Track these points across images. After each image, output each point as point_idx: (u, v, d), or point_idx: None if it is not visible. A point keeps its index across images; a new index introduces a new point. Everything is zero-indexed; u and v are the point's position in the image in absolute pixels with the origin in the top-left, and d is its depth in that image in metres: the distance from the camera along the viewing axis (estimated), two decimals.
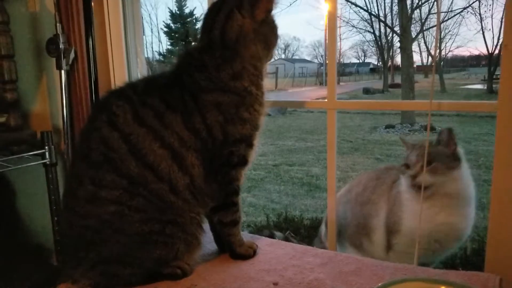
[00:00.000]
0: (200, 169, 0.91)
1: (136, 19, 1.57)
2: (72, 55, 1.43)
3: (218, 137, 0.92)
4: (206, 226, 1.02)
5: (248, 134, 0.96)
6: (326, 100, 1.22)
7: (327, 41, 1.20)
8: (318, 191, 4.76)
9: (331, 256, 1.03)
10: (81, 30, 1.41)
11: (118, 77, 1.53)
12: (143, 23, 1.61)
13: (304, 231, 2.74)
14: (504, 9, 0.97)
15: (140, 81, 0.97)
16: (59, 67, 1.44)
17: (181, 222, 0.90)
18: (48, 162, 1.47)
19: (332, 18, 1.19)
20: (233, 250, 1.02)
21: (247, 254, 1.02)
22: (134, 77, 1.59)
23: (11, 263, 1.60)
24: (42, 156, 1.47)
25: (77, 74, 1.44)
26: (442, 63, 17.29)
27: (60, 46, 1.42)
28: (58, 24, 1.42)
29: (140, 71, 1.62)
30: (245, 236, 1.10)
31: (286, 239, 2.04)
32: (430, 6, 12.26)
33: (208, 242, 1.06)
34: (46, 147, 1.46)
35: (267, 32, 0.97)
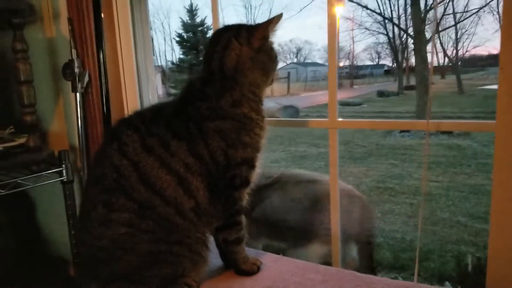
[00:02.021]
0: (205, 192, 0.97)
1: (146, 42, 1.64)
2: (86, 79, 1.52)
3: (221, 162, 0.97)
4: (212, 242, 1.07)
5: (249, 157, 1.01)
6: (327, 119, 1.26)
7: (329, 58, 1.23)
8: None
9: (332, 273, 1.07)
10: (94, 54, 1.49)
11: (130, 98, 1.60)
12: (153, 44, 1.68)
13: None
14: (500, 32, 1.00)
15: (148, 110, 1.03)
16: (74, 90, 1.52)
17: (187, 242, 0.95)
18: (65, 180, 1.55)
19: (332, 37, 1.22)
20: (237, 266, 1.07)
21: (251, 270, 1.07)
22: (145, 97, 1.67)
23: (33, 273, 1.68)
24: (60, 173, 1.55)
25: (91, 96, 1.52)
26: (459, 63, 17.03)
27: (75, 70, 1.50)
28: (73, 50, 1.51)
29: (152, 92, 1.69)
30: (250, 252, 1.15)
31: None
32: (446, 7, 12.17)
33: (214, 257, 1.11)
34: (64, 166, 1.54)
35: (265, 59, 1.02)
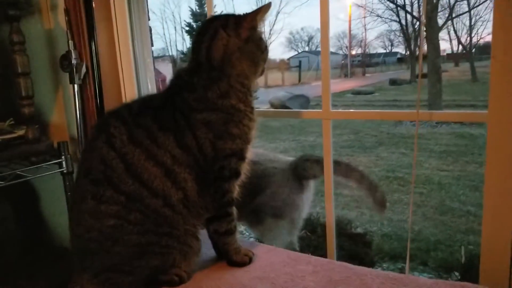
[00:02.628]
0: (193, 184, 0.96)
1: (143, 32, 1.64)
2: (83, 70, 1.52)
3: (209, 153, 0.97)
4: (204, 233, 1.07)
5: (238, 148, 1.00)
6: (321, 111, 1.25)
7: (321, 47, 1.21)
8: (338, 188, 4.76)
9: (323, 264, 1.06)
10: (92, 45, 1.49)
11: (128, 89, 1.60)
12: (151, 35, 1.67)
13: (320, 230, 2.77)
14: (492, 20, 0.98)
15: (135, 102, 1.03)
16: (72, 81, 1.53)
17: (177, 234, 0.96)
18: (65, 171, 1.56)
19: (324, 17, 1.20)
20: (229, 257, 1.07)
21: (243, 261, 1.07)
22: (143, 88, 1.67)
23: (37, 263, 1.71)
24: (60, 165, 1.57)
25: (88, 87, 1.52)
26: (473, 51, 16.70)
27: (73, 62, 1.51)
28: (70, 41, 1.51)
29: (150, 82, 1.69)
30: (244, 243, 1.15)
31: None
32: None
33: (207, 248, 1.11)
34: (63, 157, 1.56)
35: (253, 50, 1.01)
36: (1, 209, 1.65)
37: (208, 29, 1.00)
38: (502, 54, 0.96)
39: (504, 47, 0.96)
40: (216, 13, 1.14)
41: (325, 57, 1.20)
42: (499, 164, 0.99)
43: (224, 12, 1.06)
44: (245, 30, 0.98)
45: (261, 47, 1.02)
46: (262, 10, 0.99)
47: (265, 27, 1.04)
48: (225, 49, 0.98)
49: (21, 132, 1.48)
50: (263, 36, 1.03)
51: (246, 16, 0.99)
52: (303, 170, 1.57)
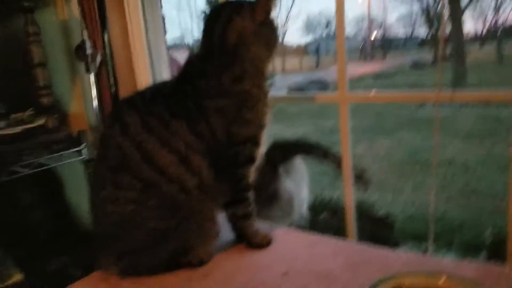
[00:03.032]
0: (208, 170, 0.96)
1: (156, 21, 1.64)
2: (99, 59, 1.53)
3: (223, 140, 0.96)
4: (223, 215, 1.07)
5: (252, 134, 0.99)
6: (337, 93, 1.22)
7: (336, 24, 1.18)
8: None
9: (343, 246, 1.05)
10: (105, 35, 1.49)
11: (142, 77, 1.61)
12: (164, 23, 1.67)
13: (340, 214, 2.76)
14: None
15: (148, 89, 1.02)
16: (88, 71, 1.54)
17: (194, 218, 0.96)
18: (85, 158, 1.59)
19: (340, 5, 1.17)
20: (248, 240, 1.07)
21: (262, 244, 1.06)
22: (157, 75, 1.67)
23: (63, 247, 1.76)
24: (80, 152, 1.59)
25: (104, 76, 1.53)
26: (499, 32, 16.16)
27: (87, 51, 1.52)
28: (84, 31, 1.52)
29: (164, 70, 1.69)
30: (263, 224, 1.15)
31: None
32: None
33: (227, 230, 1.11)
34: (83, 145, 1.58)
35: (268, 33, 0.99)
36: (26, 196, 1.70)
37: (221, 13, 0.98)
38: None
39: None
40: None
41: (340, 38, 1.17)
42: None
43: None
44: (259, 13, 0.96)
45: (275, 31, 1.01)
46: None
47: (282, 12, 1.03)
48: (240, 33, 0.96)
49: (41, 122, 1.51)
50: (275, 20, 1.01)
51: (260, 0, 0.97)
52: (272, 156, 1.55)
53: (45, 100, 1.47)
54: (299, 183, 1.61)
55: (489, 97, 1.19)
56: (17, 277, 1.35)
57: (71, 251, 1.71)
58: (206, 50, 1.00)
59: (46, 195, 1.80)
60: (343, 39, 1.19)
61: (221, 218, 1.05)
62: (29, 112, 1.53)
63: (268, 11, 0.98)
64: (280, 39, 1.03)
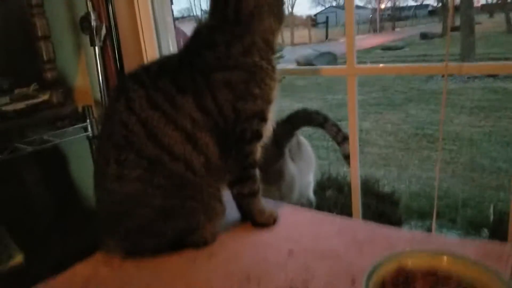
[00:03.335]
0: (215, 147, 0.95)
1: None
2: (103, 31, 1.50)
3: (230, 115, 0.95)
4: (228, 195, 1.07)
5: (260, 109, 0.98)
6: (346, 66, 1.20)
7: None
8: (366, 146, 4.70)
9: (348, 224, 1.06)
10: (109, 6, 1.46)
11: (149, 49, 1.58)
12: None
13: (347, 190, 2.76)
14: None
15: (154, 64, 1.00)
16: (92, 44, 1.51)
17: (200, 197, 0.96)
18: (90, 134, 1.58)
19: None
20: (254, 218, 1.07)
21: (267, 222, 1.07)
22: (165, 48, 1.64)
23: (68, 224, 1.77)
24: (85, 128, 1.58)
25: (109, 49, 1.51)
26: (508, 1, 15.77)
27: (92, 24, 1.48)
28: (88, 2, 1.48)
29: (171, 42, 1.66)
30: (269, 203, 1.15)
31: None
32: None
33: (232, 209, 1.11)
34: (88, 121, 1.57)
35: (279, 5, 0.98)
36: (30, 173, 1.70)
37: None
38: None
39: None
40: None
41: (349, 10, 1.14)
42: None
43: None
44: None
45: (284, 3, 1.00)
46: None
47: None
48: (256, 4, 0.95)
49: (45, 97, 1.49)
50: None
51: None
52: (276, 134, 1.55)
53: (49, 75, 1.45)
54: (305, 167, 1.61)
55: (497, 69, 1.17)
56: (19, 258, 1.36)
57: (74, 230, 1.73)
58: (217, 20, 0.98)
59: (49, 172, 1.80)
60: (352, 12, 1.16)
61: (227, 197, 1.05)
62: (33, 87, 1.52)
63: None
64: (288, 11, 1.01)
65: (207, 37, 0.97)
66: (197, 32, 1.01)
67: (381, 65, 1.17)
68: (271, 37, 0.99)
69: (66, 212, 1.82)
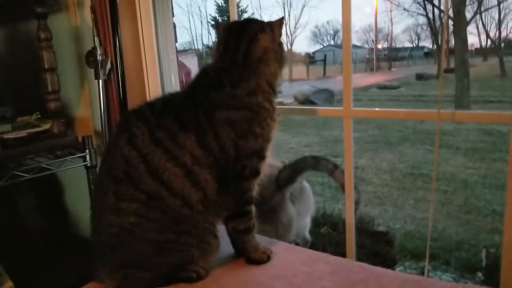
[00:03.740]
0: (213, 183, 0.97)
1: (168, 29, 1.65)
2: (108, 66, 1.55)
3: (231, 153, 0.97)
4: (222, 231, 1.08)
5: (260, 147, 1.01)
6: (342, 108, 1.23)
7: (343, 44, 1.21)
8: (362, 184, 4.71)
9: (341, 264, 1.06)
10: (116, 42, 1.51)
11: (152, 85, 1.62)
12: (175, 31, 1.69)
13: (342, 227, 2.75)
14: None
15: (158, 101, 1.04)
16: (97, 77, 1.56)
17: (195, 232, 0.97)
18: (88, 164, 1.60)
19: (346, 20, 1.19)
20: (247, 255, 1.08)
21: (261, 259, 1.07)
22: (167, 84, 1.69)
23: (61, 253, 1.76)
24: (84, 158, 1.60)
25: (113, 83, 1.55)
26: (502, 45, 16.23)
27: (98, 58, 1.54)
28: (95, 38, 1.54)
29: (174, 78, 1.70)
30: (262, 240, 1.16)
31: None
32: None
33: (226, 244, 1.12)
34: (87, 151, 1.59)
35: (281, 52, 1.08)
36: (27, 200, 1.71)
37: (245, 31, 1.05)
38: None
39: None
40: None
41: (346, 55, 1.18)
42: None
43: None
44: (278, 35, 1.07)
45: (284, 50, 1.09)
46: (282, 21, 1.09)
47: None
48: (264, 51, 1.03)
49: (47, 126, 1.52)
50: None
51: (276, 22, 1.08)
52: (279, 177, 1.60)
53: (52, 105, 1.48)
54: (304, 210, 1.64)
55: (488, 118, 1.21)
56: (8, 284, 1.35)
57: (67, 259, 1.71)
58: (226, 63, 1.04)
59: (46, 200, 1.80)
60: (349, 57, 1.21)
61: (221, 232, 1.06)
62: (35, 116, 1.55)
63: (280, 32, 1.08)
64: (287, 48, 1.09)
65: (214, 78, 1.02)
66: (203, 73, 1.06)
67: (376, 108, 1.21)
68: (273, 80, 1.06)
69: (59, 240, 1.82)
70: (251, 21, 1.09)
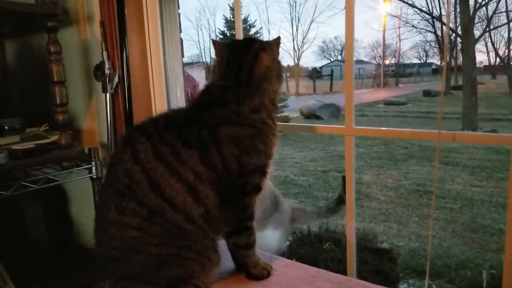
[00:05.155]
0: (215, 199, 0.98)
1: (175, 44, 1.69)
2: (116, 80, 1.58)
3: (234, 169, 0.99)
4: (224, 245, 1.09)
5: (262, 164, 1.03)
6: (344, 126, 1.25)
7: (346, 61, 1.24)
8: (366, 200, 4.70)
9: (341, 282, 1.06)
10: (123, 57, 1.54)
11: (158, 99, 1.65)
12: (182, 47, 1.72)
13: (345, 243, 2.74)
14: None
15: (162, 117, 1.06)
16: (104, 91, 1.59)
17: (196, 247, 0.97)
18: (94, 176, 1.62)
19: (350, 40, 1.22)
20: (248, 270, 1.08)
21: (261, 275, 1.08)
22: (173, 98, 1.71)
23: (65, 265, 1.77)
24: (90, 170, 1.62)
25: (120, 97, 1.58)
26: (511, 63, 16.22)
27: (106, 72, 1.57)
28: (104, 52, 1.57)
29: (180, 93, 1.73)
30: (264, 256, 1.16)
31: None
32: (497, 4, 11.64)
33: (227, 259, 1.13)
34: (93, 163, 1.61)
35: (279, 69, 1.11)
36: (33, 211, 1.73)
37: (247, 50, 1.08)
38: None
39: None
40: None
41: (349, 74, 1.20)
42: None
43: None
44: (277, 54, 1.11)
45: (282, 67, 1.13)
46: (278, 41, 1.13)
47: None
48: (267, 70, 1.06)
49: (54, 138, 1.55)
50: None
51: (272, 42, 1.12)
52: None
53: (60, 117, 1.51)
54: (279, 222, 1.70)
55: (489, 140, 1.22)
56: None
57: (71, 268, 1.73)
58: (230, 81, 1.06)
59: (52, 210, 1.82)
60: (351, 77, 1.23)
61: (222, 247, 1.07)
62: (43, 128, 1.58)
63: (278, 51, 1.12)
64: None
65: (218, 95, 1.05)
66: (207, 90, 1.08)
67: (378, 128, 1.22)
68: (275, 96, 1.09)
69: (63, 250, 1.83)
70: (252, 40, 1.12)
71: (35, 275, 1.61)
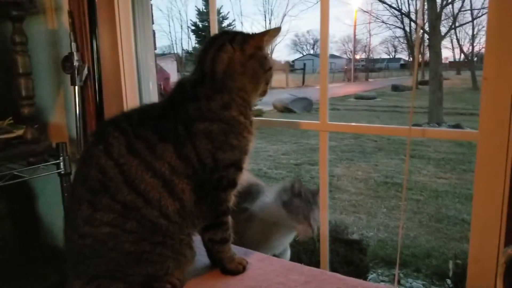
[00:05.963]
0: (191, 194, 0.97)
1: (147, 36, 1.65)
2: (85, 72, 1.53)
3: (209, 164, 0.98)
4: (198, 242, 1.08)
5: (237, 159, 1.02)
6: (319, 122, 1.26)
7: (320, 58, 1.24)
8: (337, 192, 4.78)
9: (315, 275, 1.07)
10: (93, 48, 1.50)
11: (130, 92, 1.61)
12: (155, 38, 1.68)
13: (318, 235, 2.78)
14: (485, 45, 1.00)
15: (135, 112, 1.04)
16: (73, 83, 1.54)
17: (171, 243, 0.96)
18: (62, 172, 1.57)
19: (325, 36, 1.22)
20: (223, 266, 1.08)
21: (237, 270, 1.08)
22: (145, 91, 1.68)
23: (32, 263, 1.72)
24: (57, 165, 1.57)
25: (90, 90, 1.53)
26: (475, 60, 16.81)
27: (74, 64, 1.52)
28: (72, 43, 1.52)
29: (152, 86, 1.70)
30: (239, 250, 1.16)
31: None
32: (463, 2, 12.00)
33: (202, 255, 1.12)
34: (61, 158, 1.56)
35: (255, 67, 1.03)
36: None
37: (215, 42, 1.03)
38: (493, 77, 0.97)
39: (496, 70, 0.96)
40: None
41: (323, 71, 1.21)
42: (487, 182, 1.01)
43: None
44: (250, 47, 1.01)
45: (264, 67, 1.04)
46: (270, 33, 1.03)
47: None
48: (228, 62, 1.00)
49: (20, 132, 1.49)
50: (269, 57, 1.05)
51: (254, 35, 1.03)
52: None
53: (26, 110, 1.45)
54: None
55: (457, 135, 1.26)
56: None
57: (38, 267, 1.68)
58: (199, 75, 1.03)
59: (18, 208, 1.76)
60: (326, 70, 1.24)
61: (197, 242, 1.06)
62: (7, 121, 1.51)
63: (260, 46, 1.03)
64: (270, 77, 1.07)
65: (190, 90, 1.02)
66: (180, 85, 1.06)
67: (352, 123, 1.24)
68: (246, 96, 1.04)
69: (30, 249, 1.77)
70: (226, 32, 1.07)
71: (1, 274, 1.55)
